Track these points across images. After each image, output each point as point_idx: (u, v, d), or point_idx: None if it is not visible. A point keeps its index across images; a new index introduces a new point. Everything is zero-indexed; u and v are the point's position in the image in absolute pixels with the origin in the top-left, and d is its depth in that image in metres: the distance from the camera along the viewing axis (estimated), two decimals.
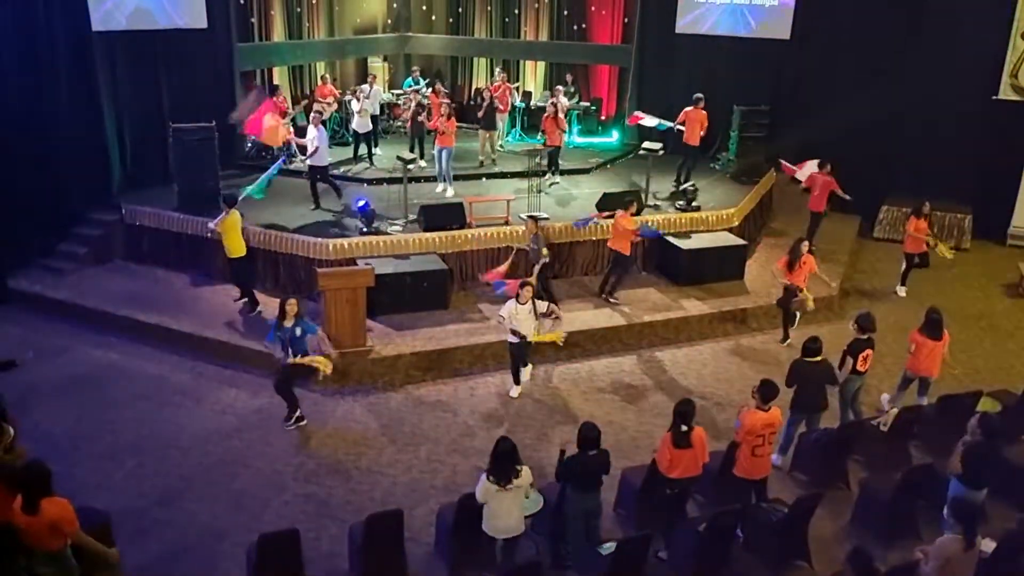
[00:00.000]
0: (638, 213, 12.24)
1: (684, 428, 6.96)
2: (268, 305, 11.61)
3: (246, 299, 11.52)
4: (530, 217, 11.79)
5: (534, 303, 9.46)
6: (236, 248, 11.13)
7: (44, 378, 10.11)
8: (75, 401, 9.64)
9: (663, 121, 14.77)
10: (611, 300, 12.05)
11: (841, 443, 8.48)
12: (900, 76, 15.67)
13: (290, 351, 8.79)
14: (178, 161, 12.89)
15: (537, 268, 11.02)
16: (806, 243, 11.28)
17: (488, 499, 6.45)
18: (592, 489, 6.85)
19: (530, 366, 10.21)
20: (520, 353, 9.79)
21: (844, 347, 8.82)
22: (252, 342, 10.49)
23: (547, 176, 14.79)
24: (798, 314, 11.53)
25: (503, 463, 6.39)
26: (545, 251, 11.24)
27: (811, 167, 13.84)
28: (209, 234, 11.47)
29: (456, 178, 14.58)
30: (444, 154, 14.23)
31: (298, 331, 8.80)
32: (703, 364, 11.10)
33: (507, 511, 6.50)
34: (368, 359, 10.31)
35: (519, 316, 9.42)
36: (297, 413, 9.27)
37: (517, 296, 9.44)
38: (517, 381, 10.05)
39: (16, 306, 11.79)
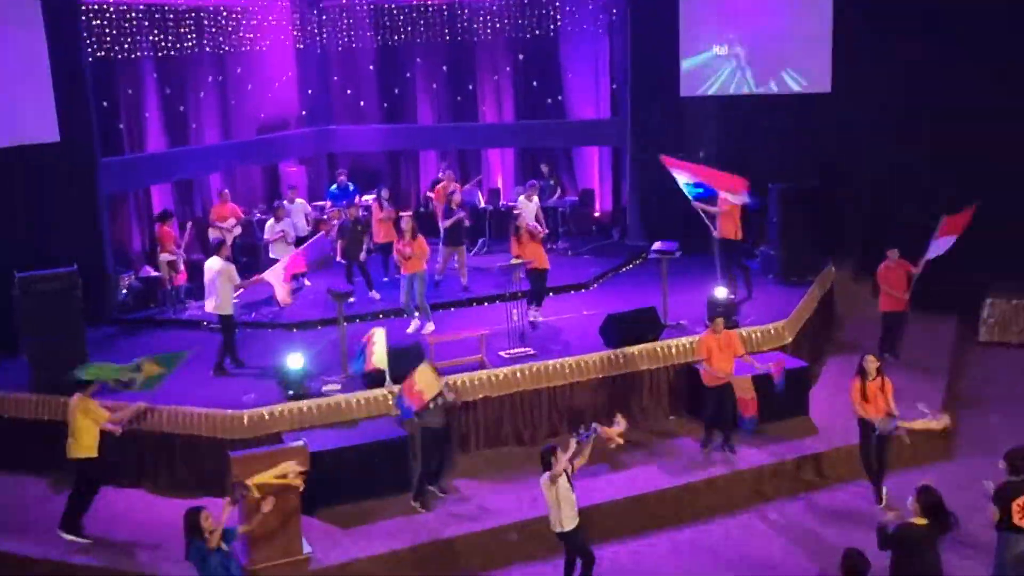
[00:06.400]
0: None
1: None
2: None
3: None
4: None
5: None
6: (83, 445, 10.73)
7: None
8: None
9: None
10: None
11: None
12: (990, 128, 15.82)
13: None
14: (29, 322, 12.95)
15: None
16: (870, 357, 11.36)
17: None
18: None
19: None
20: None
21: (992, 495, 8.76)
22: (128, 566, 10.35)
23: (529, 311, 14.68)
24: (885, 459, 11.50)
25: None
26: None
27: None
28: None
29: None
30: (415, 282, 14.45)
31: (225, 547, 8.61)
32: (767, 538, 11.02)
33: None
34: (307, 572, 10.16)
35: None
36: None
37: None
38: None
39: None
